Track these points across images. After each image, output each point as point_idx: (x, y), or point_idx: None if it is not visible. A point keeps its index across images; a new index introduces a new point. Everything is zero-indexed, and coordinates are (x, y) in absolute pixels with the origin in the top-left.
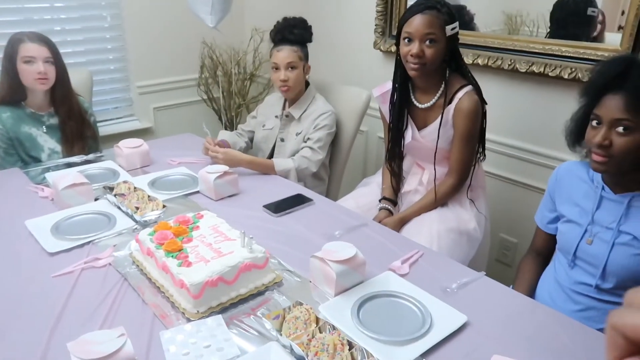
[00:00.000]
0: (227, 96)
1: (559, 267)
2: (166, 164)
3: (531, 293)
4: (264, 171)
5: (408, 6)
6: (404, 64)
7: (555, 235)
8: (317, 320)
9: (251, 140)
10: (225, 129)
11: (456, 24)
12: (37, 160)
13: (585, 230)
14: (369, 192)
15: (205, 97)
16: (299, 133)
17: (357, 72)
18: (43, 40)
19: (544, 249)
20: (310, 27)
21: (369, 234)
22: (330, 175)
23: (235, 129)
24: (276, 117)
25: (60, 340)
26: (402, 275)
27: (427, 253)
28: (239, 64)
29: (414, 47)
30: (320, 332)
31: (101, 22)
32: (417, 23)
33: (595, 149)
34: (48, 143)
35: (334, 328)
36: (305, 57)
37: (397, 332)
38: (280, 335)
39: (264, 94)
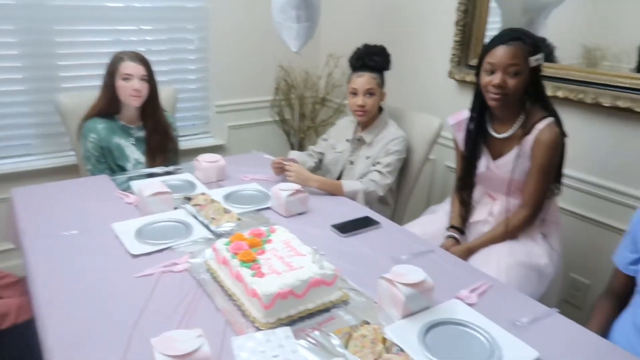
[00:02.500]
0: (298, 118)
1: (639, 311)
2: (239, 179)
3: (605, 334)
4: (332, 192)
5: (487, 37)
6: (483, 94)
7: (634, 277)
8: (384, 340)
9: (320, 161)
10: (292, 149)
11: (540, 55)
12: (123, 169)
13: None
14: (436, 219)
15: (277, 118)
16: (369, 157)
17: (429, 100)
18: (141, 59)
19: (622, 291)
20: (389, 55)
21: (436, 260)
22: (396, 200)
23: (304, 150)
24: (347, 140)
25: (141, 335)
26: (470, 305)
27: (496, 284)
28: (311, 88)
29: (496, 78)
30: (387, 353)
31: (188, 45)
32: (500, 54)
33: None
34: (134, 154)
35: (401, 350)
36: (382, 84)
37: None
38: (347, 351)
39: (333, 118)
